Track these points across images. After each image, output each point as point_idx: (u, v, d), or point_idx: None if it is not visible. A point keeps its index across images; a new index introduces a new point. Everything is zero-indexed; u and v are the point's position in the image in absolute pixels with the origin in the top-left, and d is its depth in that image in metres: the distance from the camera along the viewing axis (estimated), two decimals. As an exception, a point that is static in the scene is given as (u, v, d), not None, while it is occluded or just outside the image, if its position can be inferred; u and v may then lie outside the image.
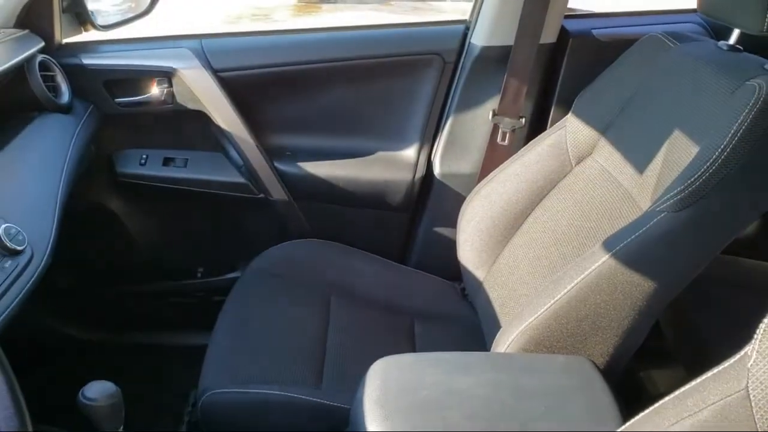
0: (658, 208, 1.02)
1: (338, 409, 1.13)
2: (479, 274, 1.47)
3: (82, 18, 1.63)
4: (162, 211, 1.74)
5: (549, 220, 1.36)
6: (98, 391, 0.93)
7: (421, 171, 1.66)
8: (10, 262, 0.98)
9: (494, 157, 1.57)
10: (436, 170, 1.64)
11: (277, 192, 1.67)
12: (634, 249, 1.02)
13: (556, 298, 1.06)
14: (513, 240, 1.43)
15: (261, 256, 1.57)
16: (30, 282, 1.01)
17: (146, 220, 1.74)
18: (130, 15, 1.74)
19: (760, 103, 0.97)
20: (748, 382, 0.69)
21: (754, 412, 0.68)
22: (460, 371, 1.00)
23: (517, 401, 0.94)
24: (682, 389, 0.76)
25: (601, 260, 1.03)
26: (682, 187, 0.99)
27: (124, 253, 1.76)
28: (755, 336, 0.69)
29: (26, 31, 1.49)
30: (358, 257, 1.62)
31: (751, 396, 0.69)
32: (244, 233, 1.78)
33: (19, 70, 1.41)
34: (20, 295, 0.95)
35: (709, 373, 0.74)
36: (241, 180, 1.67)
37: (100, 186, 1.65)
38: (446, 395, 0.94)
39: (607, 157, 1.30)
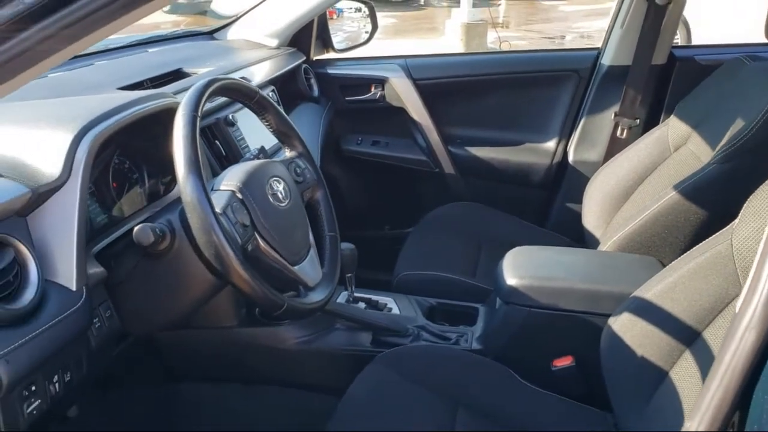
0: (711, 162, 1.52)
1: (485, 289, 1.72)
2: (597, 233, 1.98)
3: (326, 43, 2.41)
4: (367, 178, 2.45)
5: (650, 190, 1.86)
6: (345, 246, 1.56)
7: (558, 158, 2.23)
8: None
9: (614, 147, 2.10)
10: (570, 158, 2.20)
11: (449, 168, 2.31)
12: (691, 188, 1.53)
13: (637, 221, 1.59)
14: (624, 207, 1.93)
15: (433, 211, 2.19)
16: None
17: (356, 185, 2.46)
18: (354, 44, 2.51)
19: None
20: (732, 236, 1.19)
21: (734, 254, 1.17)
22: (565, 254, 1.56)
23: (600, 270, 1.48)
24: (695, 247, 1.26)
25: (669, 195, 1.55)
26: (729, 146, 1.49)
27: (338, 208, 2.45)
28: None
29: (294, 48, 2.27)
30: (505, 218, 2.19)
31: (733, 244, 1.18)
32: (421, 198, 2.43)
33: (291, 73, 2.17)
34: None
35: (711, 238, 1.24)
36: (424, 158, 2.33)
37: (329, 157, 2.37)
38: (553, 263, 1.51)
39: (697, 144, 1.79)
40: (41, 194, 0.98)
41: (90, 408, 1.48)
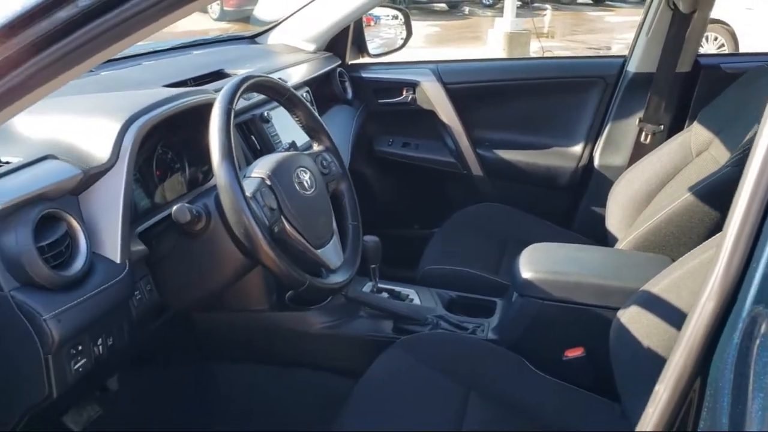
0: (726, 165, 1.57)
1: (505, 285, 1.78)
2: (620, 236, 2.03)
3: (361, 48, 2.51)
4: (398, 179, 2.54)
5: (672, 194, 1.90)
6: (369, 239, 1.66)
7: (583, 161, 2.28)
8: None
9: (638, 152, 2.14)
10: (596, 162, 2.25)
11: (476, 170, 2.39)
12: (706, 190, 1.57)
13: (652, 221, 1.64)
14: (646, 210, 1.98)
15: (460, 211, 2.26)
16: None
17: (387, 185, 2.55)
18: (389, 49, 2.61)
19: None
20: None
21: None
22: (580, 251, 1.62)
23: (612, 267, 1.54)
24: (701, 245, 1.31)
25: (684, 196, 1.60)
26: (741, 151, 1.54)
27: (368, 207, 2.54)
28: None
29: (331, 53, 2.38)
30: (530, 219, 2.24)
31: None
32: (449, 198, 2.51)
33: (327, 76, 2.28)
34: None
35: (716, 236, 1.28)
36: (453, 160, 2.41)
37: (361, 157, 2.47)
38: (568, 259, 1.57)
39: (717, 150, 1.83)
40: (91, 176, 1.09)
41: (128, 383, 1.60)
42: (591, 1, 16.14)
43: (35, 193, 1.02)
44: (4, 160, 1.07)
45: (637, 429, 0.75)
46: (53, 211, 1.03)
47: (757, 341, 0.64)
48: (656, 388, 0.74)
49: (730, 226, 0.70)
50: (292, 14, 2.37)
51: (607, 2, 16.02)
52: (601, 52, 9.86)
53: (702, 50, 2.40)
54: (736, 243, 0.69)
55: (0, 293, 0.97)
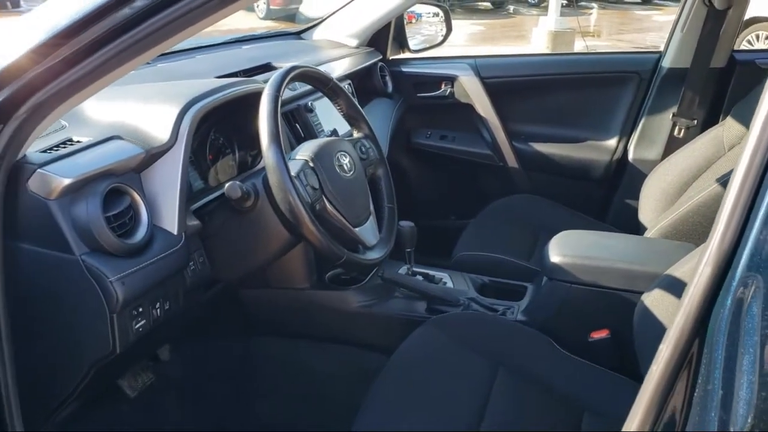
0: None
1: (537, 271, 1.85)
2: (651, 226, 2.08)
3: (402, 44, 2.60)
4: (435, 170, 2.62)
5: (703, 187, 1.94)
6: (405, 224, 1.75)
7: (618, 155, 2.33)
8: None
9: (672, 146, 2.18)
10: (630, 155, 2.29)
11: (512, 162, 2.46)
12: (732, 180, 1.61)
13: (680, 210, 1.69)
14: (678, 201, 2.02)
15: (495, 202, 2.33)
16: None
17: (424, 176, 2.64)
18: (429, 45, 2.70)
19: None
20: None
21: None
22: (609, 238, 1.68)
23: (639, 253, 1.60)
24: None
25: (712, 187, 1.65)
26: None
27: (405, 198, 2.63)
28: None
29: (372, 48, 2.48)
30: (564, 210, 2.30)
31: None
32: (484, 190, 2.58)
33: (368, 70, 2.38)
34: None
35: None
36: (489, 152, 2.49)
37: (399, 149, 2.56)
38: (596, 245, 1.63)
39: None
40: (152, 155, 1.21)
41: (179, 354, 1.72)
42: (639, 0, 15.88)
43: (103, 169, 1.13)
44: (75, 139, 1.19)
45: (642, 386, 0.82)
46: (119, 186, 1.15)
47: (746, 304, 0.71)
48: (660, 347, 0.81)
49: (727, 197, 0.76)
50: (336, 11, 2.47)
51: (655, 1, 15.75)
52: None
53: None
54: (732, 212, 0.75)
55: (72, 257, 1.09)
